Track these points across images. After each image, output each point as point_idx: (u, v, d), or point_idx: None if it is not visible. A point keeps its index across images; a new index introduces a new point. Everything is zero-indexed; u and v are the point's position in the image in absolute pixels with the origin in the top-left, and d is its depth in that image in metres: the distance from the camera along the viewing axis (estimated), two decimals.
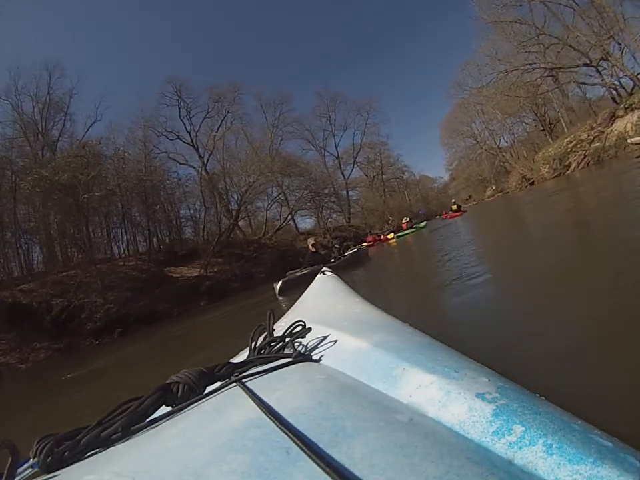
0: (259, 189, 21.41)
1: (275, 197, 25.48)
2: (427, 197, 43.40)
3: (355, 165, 35.48)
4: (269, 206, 25.14)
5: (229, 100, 25.89)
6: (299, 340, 0.63)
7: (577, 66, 20.68)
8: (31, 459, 0.38)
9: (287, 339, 0.61)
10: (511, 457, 0.28)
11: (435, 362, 0.43)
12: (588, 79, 21.53)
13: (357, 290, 1.26)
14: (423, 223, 19.15)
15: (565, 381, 0.94)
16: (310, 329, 0.63)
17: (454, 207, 18.80)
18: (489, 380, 0.38)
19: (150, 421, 0.41)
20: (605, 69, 19.89)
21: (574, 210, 4.70)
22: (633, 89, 17.90)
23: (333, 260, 7.00)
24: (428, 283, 3.10)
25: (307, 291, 1.42)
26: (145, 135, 19.29)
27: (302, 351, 0.58)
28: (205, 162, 23.37)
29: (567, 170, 19.70)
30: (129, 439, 0.39)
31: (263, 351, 0.61)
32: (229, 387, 0.45)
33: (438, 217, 24.94)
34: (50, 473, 0.36)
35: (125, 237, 17.65)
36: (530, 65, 21.64)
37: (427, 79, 71.86)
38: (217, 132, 24.33)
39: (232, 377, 0.48)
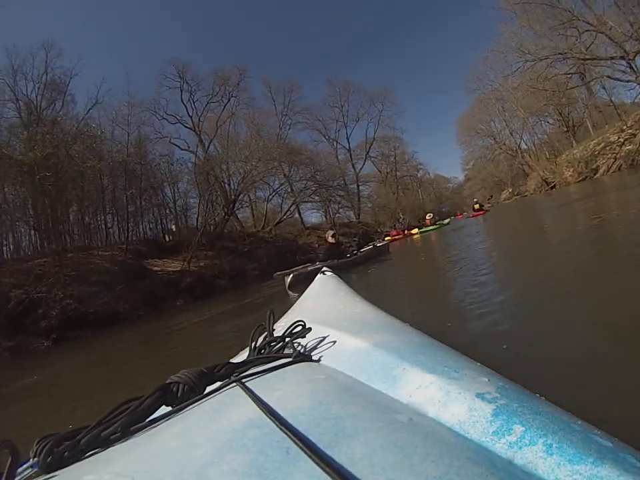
0: (257, 177, 19.99)
1: (277, 188, 24.10)
2: (441, 196, 42.62)
3: (368, 159, 34.52)
4: (270, 197, 23.92)
5: (234, 84, 24.87)
6: (299, 340, 0.63)
7: (612, 58, 18.87)
8: (31, 459, 0.38)
9: (287, 339, 0.61)
10: (511, 457, 0.28)
11: (435, 362, 0.43)
12: (621, 75, 19.68)
13: (358, 291, 1.26)
14: (447, 220, 19.41)
15: (570, 385, 0.95)
16: (310, 328, 0.63)
17: (476, 206, 19.08)
18: (489, 380, 0.38)
19: (150, 421, 0.41)
20: None
21: (595, 218, 4.24)
22: None
23: (349, 255, 6.93)
24: (443, 289, 3.00)
25: (307, 290, 1.42)
26: (131, 113, 17.17)
27: (302, 351, 0.58)
28: (206, 148, 22.12)
29: (595, 174, 18.85)
30: (128, 439, 0.39)
31: (262, 350, 0.61)
32: (228, 387, 0.45)
33: (462, 214, 24.45)
34: (50, 473, 0.36)
35: (105, 225, 15.83)
36: (561, 54, 19.90)
37: (445, 73, 70.11)
38: (220, 117, 23.28)
39: (232, 377, 0.48)
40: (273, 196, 24.16)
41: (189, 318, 6.53)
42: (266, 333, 0.69)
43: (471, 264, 3.55)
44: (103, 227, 15.84)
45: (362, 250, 7.48)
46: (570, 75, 22.06)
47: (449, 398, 0.36)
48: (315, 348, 0.60)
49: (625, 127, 17.76)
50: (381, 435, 0.28)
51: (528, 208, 12.04)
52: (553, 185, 24.78)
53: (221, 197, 19.62)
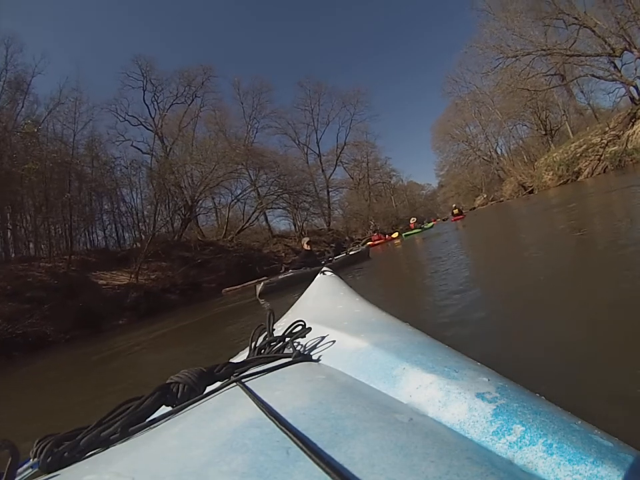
0: (215, 181, 18.65)
1: (240, 194, 22.67)
2: (415, 203, 42.18)
3: (340, 165, 33.58)
4: (232, 203, 22.53)
5: (198, 84, 23.63)
6: (299, 340, 0.63)
7: (597, 55, 18.50)
8: (31, 459, 0.38)
9: (287, 339, 0.61)
10: (511, 456, 0.28)
11: (435, 362, 0.43)
12: (604, 74, 19.34)
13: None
14: (430, 224, 19.85)
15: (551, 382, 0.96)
16: (310, 328, 0.63)
17: (455, 211, 19.48)
18: (489, 380, 0.38)
19: (150, 421, 0.41)
20: (627, 63, 18.08)
21: (572, 221, 4.31)
22: None
23: (324, 262, 6.99)
24: (421, 290, 3.01)
25: (307, 290, 1.42)
26: (77, 111, 15.49)
27: (302, 350, 0.58)
28: (168, 151, 20.25)
29: (577, 177, 18.62)
30: (128, 439, 0.39)
31: (263, 350, 0.61)
32: (228, 386, 0.45)
33: (436, 220, 24.65)
34: (50, 473, 0.36)
35: (49, 233, 13.79)
36: (544, 50, 19.31)
37: (422, 79, 71.56)
38: (182, 118, 22.09)
39: (232, 377, 0.48)
40: (235, 202, 22.85)
41: (126, 341, 5.63)
42: (266, 333, 0.69)
43: (451, 267, 3.59)
44: (47, 234, 13.87)
45: (337, 257, 7.51)
46: (550, 77, 21.87)
47: (448, 398, 0.36)
48: (314, 348, 0.60)
49: (607, 129, 17.49)
50: (381, 435, 0.28)
51: (503, 213, 12.09)
52: (530, 189, 24.51)
53: (180, 202, 18.29)
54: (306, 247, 6.99)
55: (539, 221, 6.11)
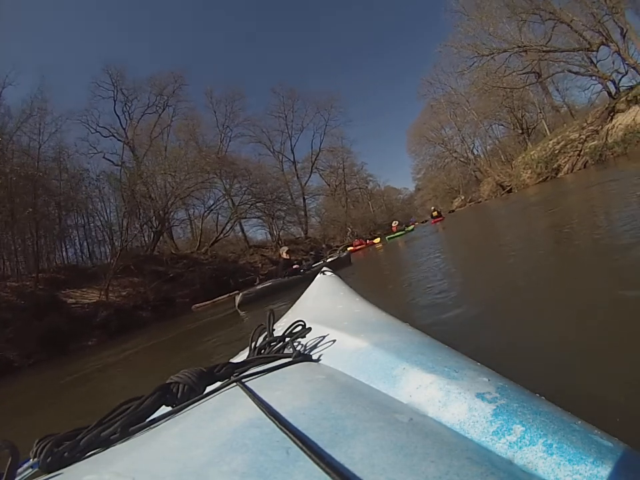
0: (186, 192, 18.05)
1: (212, 204, 21.92)
2: (392, 208, 41.78)
3: (315, 172, 33.03)
4: (205, 213, 21.73)
5: (169, 92, 23.06)
6: (299, 340, 0.63)
7: (574, 50, 18.33)
8: (31, 459, 0.38)
9: (287, 339, 0.61)
10: (511, 456, 0.28)
11: (435, 362, 0.43)
12: (581, 70, 19.17)
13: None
14: (411, 227, 20.39)
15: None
16: (310, 328, 0.63)
17: (434, 213, 19.87)
18: (489, 380, 0.38)
19: (150, 421, 0.41)
20: (602, 60, 17.96)
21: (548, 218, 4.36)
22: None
23: (303, 270, 7.07)
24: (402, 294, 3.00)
25: (307, 290, 1.42)
26: (42, 122, 14.76)
27: (302, 350, 0.58)
28: (140, 162, 19.23)
29: (557, 173, 18.58)
30: (128, 439, 0.39)
31: (263, 350, 0.61)
32: (229, 387, 0.45)
33: (414, 223, 24.67)
34: (50, 472, 0.36)
35: (15, 249, 12.65)
36: (520, 47, 18.98)
37: (398, 85, 70.54)
38: (154, 128, 21.51)
39: (232, 377, 0.48)
40: (209, 213, 22.03)
41: (95, 362, 5.35)
42: (266, 333, 0.69)
43: (433, 269, 3.61)
44: (16, 251, 12.81)
45: (313, 266, 7.55)
46: (526, 75, 21.59)
47: (448, 398, 0.36)
48: (314, 348, 0.60)
49: (585, 124, 17.40)
50: (381, 434, 0.28)
51: (482, 214, 11.99)
52: (509, 188, 24.29)
53: (151, 214, 17.48)
54: (285, 256, 7.02)
55: (518, 220, 6.10)
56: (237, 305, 6.10)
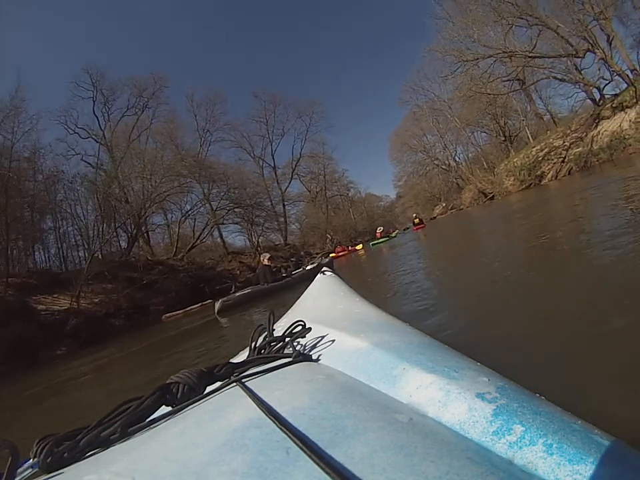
0: (161, 196, 17.47)
1: (189, 209, 21.48)
2: (373, 215, 41.48)
3: (296, 178, 32.54)
4: (182, 219, 21.27)
5: (149, 94, 22.48)
6: (299, 340, 0.63)
7: (560, 56, 18.24)
8: (31, 459, 0.38)
9: (287, 339, 0.61)
10: (511, 456, 0.28)
11: (435, 362, 0.43)
12: (565, 76, 19.15)
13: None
14: (395, 233, 20.57)
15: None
16: (310, 328, 0.63)
17: (416, 220, 19.98)
18: (489, 380, 0.38)
19: (150, 421, 0.41)
20: (585, 68, 18.18)
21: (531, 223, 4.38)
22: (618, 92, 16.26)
23: (285, 276, 7.13)
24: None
25: (307, 290, 1.41)
26: (15, 120, 13.94)
27: (302, 350, 0.58)
28: (118, 165, 18.51)
29: (540, 180, 18.55)
30: (128, 439, 0.39)
31: (263, 350, 0.61)
32: (229, 387, 0.45)
33: (394, 230, 24.77)
34: (50, 473, 0.36)
35: None
36: (505, 52, 18.83)
37: (381, 92, 69.66)
38: (132, 130, 21.13)
39: (232, 377, 0.48)
40: (186, 218, 21.52)
41: (64, 372, 5.11)
42: (266, 333, 0.69)
43: (415, 274, 3.64)
44: None
45: (293, 274, 7.57)
46: (510, 81, 21.56)
47: (448, 398, 0.36)
48: (314, 348, 0.60)
49: (569, 131, 17.41)
50: (381, 435, 0.28)
51: (464, 221, 12.02)
52: (491, 195, 24.23)
53: (125, 218, 16.99)
54: (266, 262, 7.03)
55: (499, 227, 6.09)
56: (216, 311, 6.16)
